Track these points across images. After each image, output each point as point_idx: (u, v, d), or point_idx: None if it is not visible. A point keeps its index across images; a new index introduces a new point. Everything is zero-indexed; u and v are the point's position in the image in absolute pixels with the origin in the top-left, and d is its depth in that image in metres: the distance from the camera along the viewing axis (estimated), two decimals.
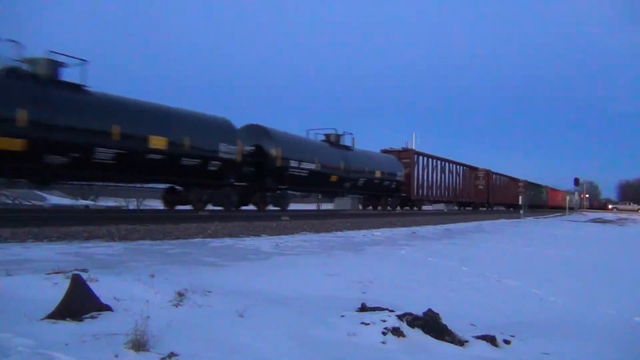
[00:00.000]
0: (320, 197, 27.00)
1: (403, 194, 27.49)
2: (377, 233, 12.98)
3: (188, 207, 16.29)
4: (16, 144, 10.99)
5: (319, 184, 21.53)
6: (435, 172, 31.67)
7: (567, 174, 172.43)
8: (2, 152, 10.84)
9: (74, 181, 15.69)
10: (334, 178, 21.98)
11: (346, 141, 23.96)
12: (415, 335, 3.49)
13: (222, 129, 16.43)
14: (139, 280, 4.23)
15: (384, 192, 25.91)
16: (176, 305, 3.77)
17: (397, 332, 3.45)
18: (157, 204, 24.38)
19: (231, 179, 17.15)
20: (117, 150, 12.90)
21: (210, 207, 16.63)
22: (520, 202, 35.73)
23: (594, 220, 35.53)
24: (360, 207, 26.89)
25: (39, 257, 5.94)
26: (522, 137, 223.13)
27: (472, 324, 4.27)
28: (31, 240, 7.56)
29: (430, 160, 31.07)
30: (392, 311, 3.85)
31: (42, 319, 3.16)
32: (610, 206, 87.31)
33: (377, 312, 3.89)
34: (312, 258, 7.71)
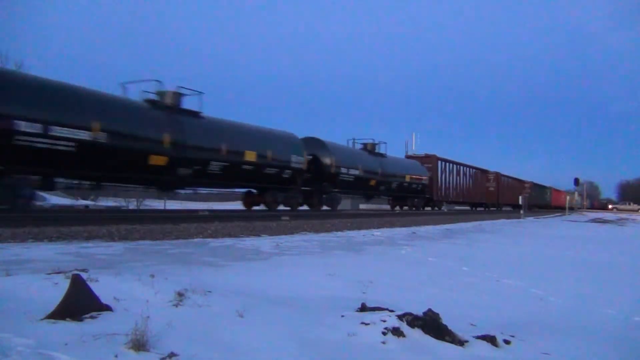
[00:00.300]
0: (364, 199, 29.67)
1: (427, 196, 31.01)
2: (377, 233, 12.98)
3: (262, 207, 19.48)
4: (162, 160, 14.07)
5: (361, 187, 25.10)
6: (452, 175, 34.52)
7: (568, 174, 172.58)
8: (154, 167, 13.93)
9: (193, 187, 19.15)
10: (372, 182, 25.50)
11: (381, 149, 27.37)
12: (415, 335, 3.49)
13: (292, 142, 19.95)
14: (139, 280, 4.23)
15: (412, 193, 29.69)
16: (176, 305, 3.77)
17: (397, 332, 3.45)
18: (157, 204, 24.37)
19: (299, 184, 20.30)
20: (224, 163, 16.05)
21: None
22: (520, 202, 35.98)
23: (594, 220, 35.53)
24: (389, 207, 31.32)
25: (39, 257, 5.94)
26: (522, 137, 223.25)
27: (472, 324, 4.27)
28: (31, 240, 7.56)
29: (447, 164, 33.80)
30: (392, 311, 3.85)
31: (42, 319, 3.16)
32: (610, 206, 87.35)
33: (377, 312, 3.89)
34: (312, 258, 7.72)
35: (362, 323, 3.59)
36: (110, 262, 5.95)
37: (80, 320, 3.21)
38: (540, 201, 53.27)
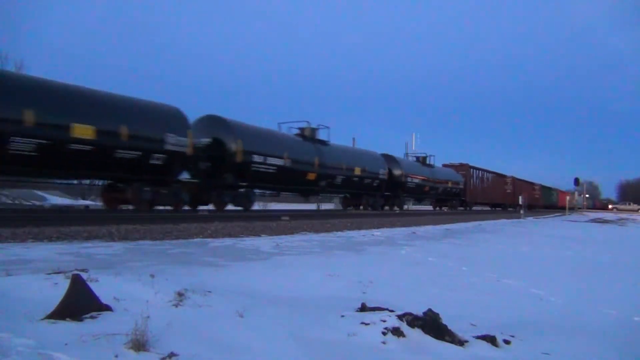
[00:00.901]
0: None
1: (462, 198, 36.44)
2: (377, 233, 12.98)
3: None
4: (313, 176, 20.71)
5: (420, 192, 29.29)
6: (479, 180, 40.62)
7: (568, 174, 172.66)
8: (308, 181, 20.57)
9: (323, 193, 24.74)
10: (426, 188, 29.45)
11: (430, 160, 32.64)
12: (415, 335, 3.49)
13: (374, 157, 25.94)
14: (139, 280, 4.23)
15: (451, 196, 34.59)
16: (176, 305, 3.77)
17: (397, 332, 3.45)
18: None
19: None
20: (343, 177, 22.57)
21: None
22: (520, 202, 36.09)
23: (594, 220, 35.52)
24: (433, 207, 36.28)
25: (39, 257, 5.94)
26: (522, 137, 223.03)
27: (472, 324, 4.26)
28: (31, 240, 7.56)
29: (474, 171, 39.79)
30: (392, 311, 3.85)
31: (42, 319, 3.16)
32: (610, 206, 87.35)
33: (377, 312, 3.89)
34: (312, 258, 7.72)
35: (362, 323, 3.59)
36: (110, 262, 5.95)
37: (80, 320, 3.21)
38: (547, 202, 58.37)
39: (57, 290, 3.66)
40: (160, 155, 14.33)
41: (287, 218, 14.72)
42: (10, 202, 19.52)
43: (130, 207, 15.06)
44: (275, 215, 16.46)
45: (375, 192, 25.56)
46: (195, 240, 9.11)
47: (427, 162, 32.58)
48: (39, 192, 23.09)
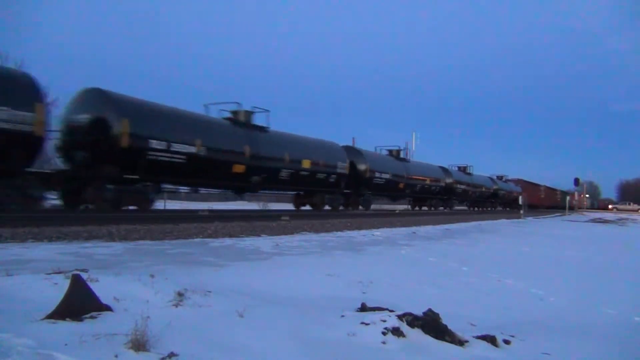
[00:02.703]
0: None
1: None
2: (377, 233, 12.98)
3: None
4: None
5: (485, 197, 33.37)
6: (524, 189, 53.04)
7: (568, 174, 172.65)
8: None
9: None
10: (496, 194, 33.19)
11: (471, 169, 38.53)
12: (415, 335, 3.49)
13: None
14: (139, 281, 4.23)
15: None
16: (176, 306, 3.77)
17: (397, 332, 3.46)
18: (157, 204, 24.34)
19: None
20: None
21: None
22: (520, 202, 36.25)
23: (594, 220, 35.52)
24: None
25: (39, 257, 5.94)
26: (522, 137, 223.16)
27: (472, 324, 4.27)
28: (31, 240, 7.56)
29: (523, 183, 55.01)
30: (392, 311, 3.85)
31: (42, 319, 3.16)
32: (610, 206, 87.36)
33: (377, 312, 3.90)
34: (312, 258, 7.72)
35: (362, 323, 3.59)
36: (110, 262, 5.95)
37: (80, 320, 3.21)
38: (562, 204, 65.19)
39: (57, 290, 3.66)
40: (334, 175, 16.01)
41: (287, 218, 14.71)
42: None
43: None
44: (276, 215, 16.47)
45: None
46: (195, 240, 9.11)
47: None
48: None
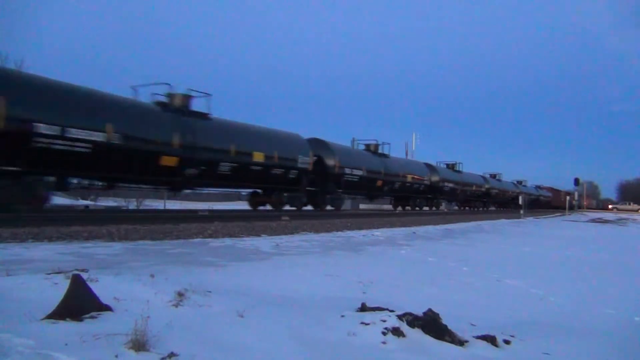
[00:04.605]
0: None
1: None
2: (377, 233, 12.98)
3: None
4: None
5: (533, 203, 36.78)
6: (554, 195, 65.24)
7: (568, 174, 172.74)
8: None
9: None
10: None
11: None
12: (415, 335, 3.49)
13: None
14: (139, 280, 4.23)
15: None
16: (176, 305, 3.78)
17: (397, 332, 3.46)
18: (157, 204, 24.38)
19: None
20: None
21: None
22: (520, 202, 36.18)
23: (594, 221, 35.53)
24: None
25: (39, 257, 5.94)
26: (522, 137, 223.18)
27: (472, 324, 4.27)
28: (31, 240, 7.56)
29: (552, 190, 66.36)
30: (392, 311, 3.85)
31: (42, 319, 3.16)
32: (610, 206, 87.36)
33: (377, 312, 3.89)
34: (312, 258, 7.72)
35: (362, 323, 3.60)
36: (110, 262, 5.95)
37: (80, 320, 3.21)
38: (572, 204, 71.30)
39: (57, 290, 3.66)
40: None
41: (287, 218, 14.71)
42: None
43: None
44: (275, 215, 16.47)
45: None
46: (195, 240, 9.11)
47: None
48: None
